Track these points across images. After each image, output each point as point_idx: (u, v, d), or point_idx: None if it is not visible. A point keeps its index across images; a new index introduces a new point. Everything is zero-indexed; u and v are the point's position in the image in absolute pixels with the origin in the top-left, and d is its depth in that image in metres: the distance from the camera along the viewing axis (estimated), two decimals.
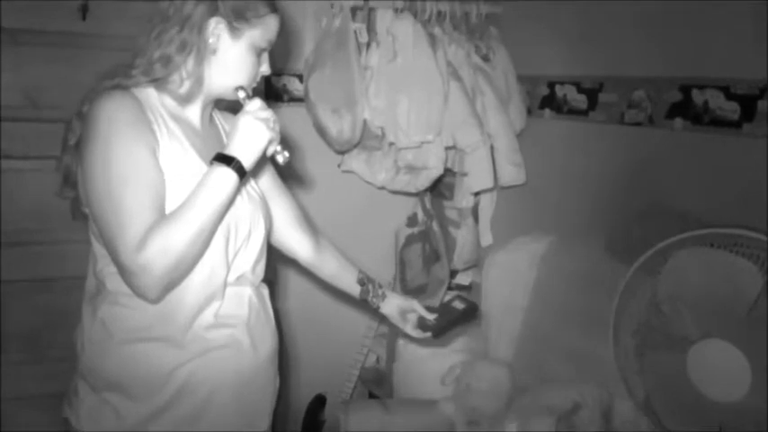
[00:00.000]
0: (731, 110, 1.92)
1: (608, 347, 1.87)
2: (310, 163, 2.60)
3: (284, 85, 2.69)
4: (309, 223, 1.64)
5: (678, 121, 2.06)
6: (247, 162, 1.21)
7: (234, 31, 1.28)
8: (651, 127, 2.15)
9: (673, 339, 1.66)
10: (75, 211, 1.33)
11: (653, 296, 1.72)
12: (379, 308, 1.65)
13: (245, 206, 1.36)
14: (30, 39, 2.20)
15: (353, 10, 2.52)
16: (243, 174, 1.21)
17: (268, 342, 1.43)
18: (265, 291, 1.47)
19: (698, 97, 2.00)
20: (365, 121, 2.55)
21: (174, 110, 1.31)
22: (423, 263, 2.91)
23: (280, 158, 1.28)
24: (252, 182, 1.43)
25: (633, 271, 1.79)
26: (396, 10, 2.53)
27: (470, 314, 1.68)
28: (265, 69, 1.37)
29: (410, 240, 2.91)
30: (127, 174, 1.17)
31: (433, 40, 2.52)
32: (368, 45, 2.56)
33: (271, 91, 2.68)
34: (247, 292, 1.38)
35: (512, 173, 2.66)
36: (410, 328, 1.64)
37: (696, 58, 2.01)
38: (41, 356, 2.27)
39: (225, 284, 1.32)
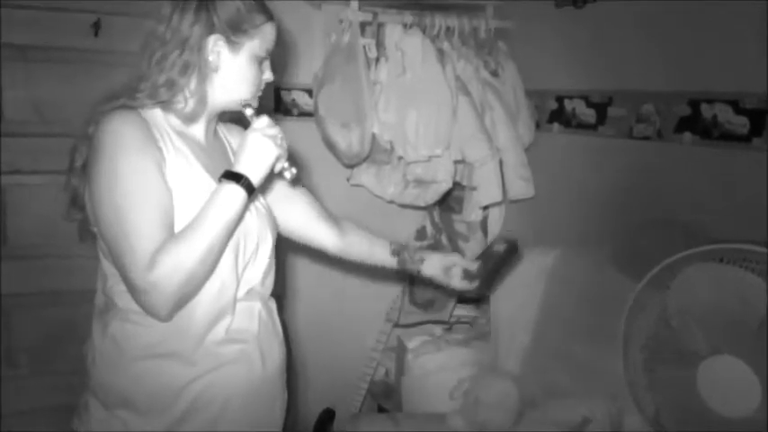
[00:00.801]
0: (740, 124, 1.91)
1: (617, 362, 1.86)
2: (319, 177, 2.60)
3: (294, 100, 2.72)
4: (329, 213, 1.65)
5: (687, 136, 2.05)
6: (256, 179, 1.22)
7: (233, 45, 1.29)
8: (660, 141, 2.14)
9: (682, 355, 1.65)
10: (82, 231, 1.33)
11: (662, 311, 1.71)
12: (420, 271, 1.65)
13: (253, 221, 1.37)
14: (41, 55, 2.24)
15: (362, 25, 2.54)
16: (252, 190, 1.22)
17: (276, 356, 1.43)
18: (273, 305, 1.48)
19: (707, 111, 1.99)
20: (374, 136, 2.56)
21: (179, 127, 1.32)
22: None
23: (287, 175, 1.29)
24: (259, 196, 1.44)
25: (642, 286, 1.78)
26: (404, 25, 2.54)
27: (512, 252, 1.66)
28: (268, 76, 1.37)
29: None
30: (135, 192, 1.18)
31: (441, 55, 2.53)
32: (377, 60, 2.57)
33: (280, 105, 2.70)
34: (257, 306, 1.39)
35: (520, 187, 2.67)
36: (457, 282, 1.64)
37: (705, 72, 2.00)
38: (48, 369, 2.29)
39: (235, 299, 1.33)
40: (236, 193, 1.20)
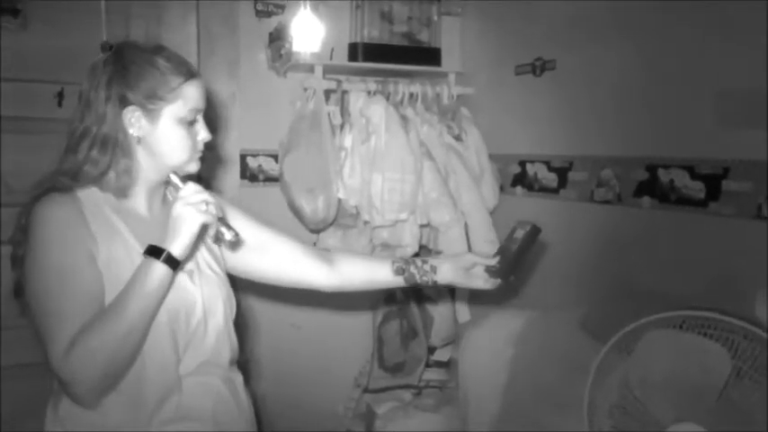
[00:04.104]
0: (697, 189, 1.95)
1: (584, 428, 1.84)
2: None
3: (260, 166, 2.73)
4: (314, 249, 1.58)
5: (646, 200, 2.09)
6: (178, 251, 1.17)
7: (151, 113, 1.25)
8: (620, 205, 2.18)
9: (646, 423, 1.65)
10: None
11: (625, 378, 1.71)
12: (436, 282, 1.56)
13: (196, 291, 1.32)
14: (4, 125, 2.23)
15: (327, 93, 2.59)
16: (176, 264, 1.17)
17: None
18: (239, 378, 1.43)
19: (664, 176, 2.03)
20: (340, 201, 2.57)
21: (117, 204, 1.29)
22: (400, 340, 2.89)
23: (227, 237, 1.23)
24: (212, 262, 1.39)
25: (605, 352, 1.78)
26: (368, 92, 2.59)
27: (534, 235, 1.58)
28: (204, 136, 1.32)
29: (387, 317, 2.90)
30: (59, 280, 1.16)
31: (405, 121, 2.57)
32: (341, 126, 2.61)
33: (247, 171, 2.72)
34: (214, 382, 1.35)
35: (486, 249, 2.67)
36: (481, 282, 1.58)
37: (661, 138, 2.05)
38: None
39: (178, 375, 1.29)
40: (155, 269, 1.15)
